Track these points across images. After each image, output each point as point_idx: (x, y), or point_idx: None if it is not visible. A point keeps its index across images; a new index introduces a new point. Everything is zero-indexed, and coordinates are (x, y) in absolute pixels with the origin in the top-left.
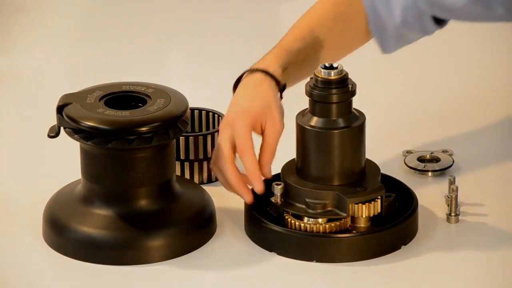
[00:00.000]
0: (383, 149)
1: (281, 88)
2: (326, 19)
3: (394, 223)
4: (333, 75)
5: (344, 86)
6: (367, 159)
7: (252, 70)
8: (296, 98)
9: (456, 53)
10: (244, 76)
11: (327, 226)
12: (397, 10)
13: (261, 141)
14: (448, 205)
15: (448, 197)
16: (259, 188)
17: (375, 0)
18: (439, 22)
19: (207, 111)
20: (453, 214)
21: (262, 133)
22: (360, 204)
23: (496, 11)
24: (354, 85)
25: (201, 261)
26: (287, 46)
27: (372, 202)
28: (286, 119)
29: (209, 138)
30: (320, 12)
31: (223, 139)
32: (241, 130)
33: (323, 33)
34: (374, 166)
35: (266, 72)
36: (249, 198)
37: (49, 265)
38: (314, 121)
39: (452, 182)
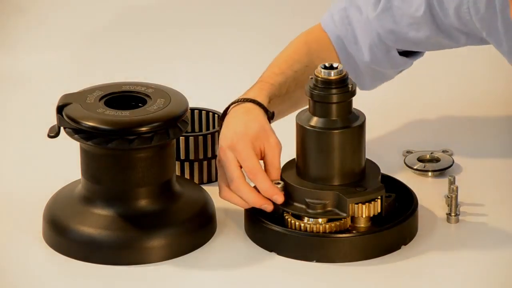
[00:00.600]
0: (383, 149)
1: (270, 116)
2: (300, 56)
3: (394, 223)
4: (333, 75)
5: (344, 86)
6: (367, 159)
7: (239, 101)
8: None
9: (456, 53)
10: (231, 107)
11: (327, 226)
12: (364, 48)
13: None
14: (448, 205)
15: (448, 197)
16: (280, 200)
17: (343, 39)
18: (412, 54)
19: (207, 111)
20: (453, 214)
21: (262, 155)
22: (360, 204)
23: (459, 40)
24: (354, 85)
25: (201, 261)
26: (270, 80)
27: (372, 202)
28: (286, 119)
29: (209, 138)
30: (293, 50)
31: (230, 163)
32: (246, 152)
33: (300, 68)
34: (374, 166)
35: (254, 101)
36: (271, 207)
37: (49, 265)
38: (314, 121)
39: (452, 182)
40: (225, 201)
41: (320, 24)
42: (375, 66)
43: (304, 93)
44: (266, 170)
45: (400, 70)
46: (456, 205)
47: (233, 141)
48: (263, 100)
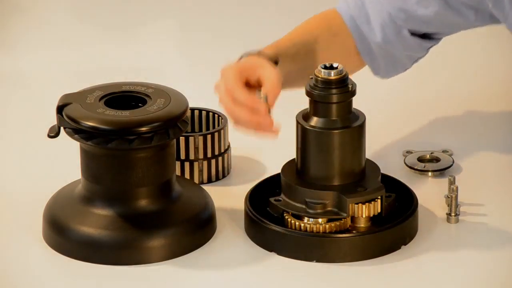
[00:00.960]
0: (383, 149)
1: (273, 61)
2: (316, 27)
3: (394, 223)
4: (333, 75)
5: (344, 86)
6: (367, 159)
7: (244, 55)
8: (296, 98)
9: (456, 52)
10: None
11: (327, 226)
12: (376, 28)
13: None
14: (448, 205)
15: (448, 197)
16: (262, 108)
17: (356, 20)
18: (425, 38)
19: (207, 111)
20: (453, 214)
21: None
22: (360, 204)
23: (468, 16)
24: (354, 85)
25: (201, 261)
26: (277, 44)
27: (372, 202)
28: (286, 119)
29: (209, 138)
30: (308, 21)
31: (221, 83)
32: (230, 74)
33: (311, 39)
34: (374, 166)
35: (259, 53)
36: (271, 126)
37: (49, 265)
38: (314, 121)
39: (452, 182)
40: (225, 201)
41: (334, 8)
42: (388, 47)
43: (313, 63)
44: (264, 87)
45: (415, 58)
46: (456, 205)
47: (223, 70)
48: (268, 53)
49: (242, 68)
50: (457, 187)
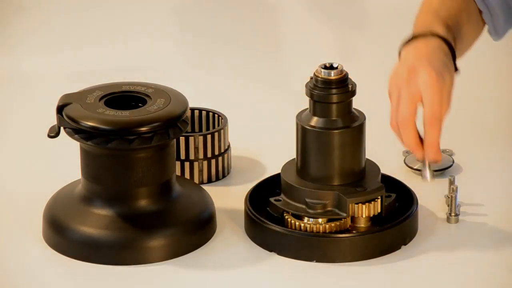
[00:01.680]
0: (383, 149)
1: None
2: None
3: (394, 223)
4: (333, 75)
5: (344, 86)
6: (367, 159)
7: (422, 35)
8: (296, 98)
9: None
10: (412, 42)
11: (327, 226)
12: None
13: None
14: (448, 205)
15: (448, 197)
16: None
17: None
18: None
19: (207, 111)
20: (453, 214)
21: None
22: (360, 204)
23: None
24: (354, 85)
25: (201, 261)
26: (444, 20)
27: (372, 202)
28: (286, 119)
29: (209, 138)
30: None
31: (407, 95)
32: (429, 83)
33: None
34: (374, 166)
35: (442, 38)
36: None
37: (49, 265)
38: (314, 121)
39: (452, 182)
40: (225, 201)
41: None
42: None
43: (471, 27)
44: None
45: None
46: (456, 205)
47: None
48: (447, 35)
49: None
50: (457, 187)
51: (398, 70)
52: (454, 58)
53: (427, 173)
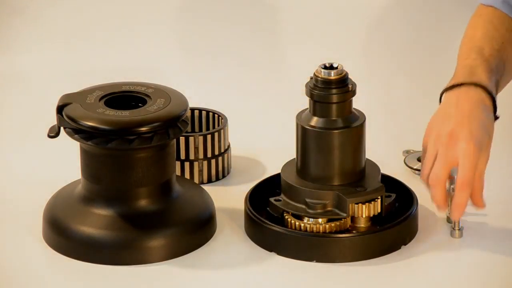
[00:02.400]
0: (383, 149)
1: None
2: (493, 33)
3: (394, 223)
4: (333, 75)
5: (344, 86)
6: (367, 159)
7: (470, 84)
8: (296, 98)
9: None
10: (462, 88)
11: (327, 226)
12: None
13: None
14: (448, 205)
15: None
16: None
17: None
18: None
19: (207, 111)
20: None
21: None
22: (360, 204)
23: None
24: (354, 85)
25: (201, 261)
26: (489, 67)
27: (372, 202)
28: (286, 119)
29: (209, 138)
30: (483, 31)
31: (444, 159)
32: (469, 163)
33: (500, 44)
34: (374, 166)
35: (486, 90)
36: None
37: (49, 265)
38: (314, 121)
39: (452, 182)
40: (225, 201)
41: (480, 6)
42: None
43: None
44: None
45: None
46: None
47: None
48: (492, 88)
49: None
50: None
51: (441, 130)
52: (495, 109)
53: (456, 232)
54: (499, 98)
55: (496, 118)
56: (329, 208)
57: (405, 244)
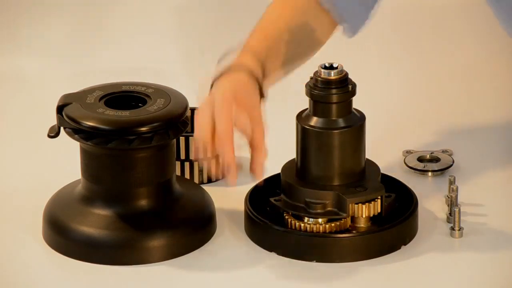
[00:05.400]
0: (383, 149)
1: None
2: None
3: (394, 223)
4: (333, 75)
5: (344, 86)
6: (367, 159)
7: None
8: (296, 98)
9: (456, 52)
10: (225, 71)
11: (327, 226)
12: None
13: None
14: (448, 205)
15: (448, 197)
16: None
17: None
18: None
19: None
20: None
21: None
22: (360, 204)
23: None
24: (354, 85)
25: (201, 261)
26: (265, 35)
27: (372, 202)
28: (286, 119)
29: None
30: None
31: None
32: (224, 112)
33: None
34: (374, 166)
35: (242, 65)
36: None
37: (49, 265)
38: (314, 121)
39: (452, 182)
40: (225, 201)
41: None
42: None
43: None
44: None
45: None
46: (456, 205)
47: (217, 95)
48: (253, 67)
49: (233, 105)
50: (457, 187)
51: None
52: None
53: (455, 233)
54: (499, 98)
55: (262, 96)
56: (329, 208)
57: (405, 244)
